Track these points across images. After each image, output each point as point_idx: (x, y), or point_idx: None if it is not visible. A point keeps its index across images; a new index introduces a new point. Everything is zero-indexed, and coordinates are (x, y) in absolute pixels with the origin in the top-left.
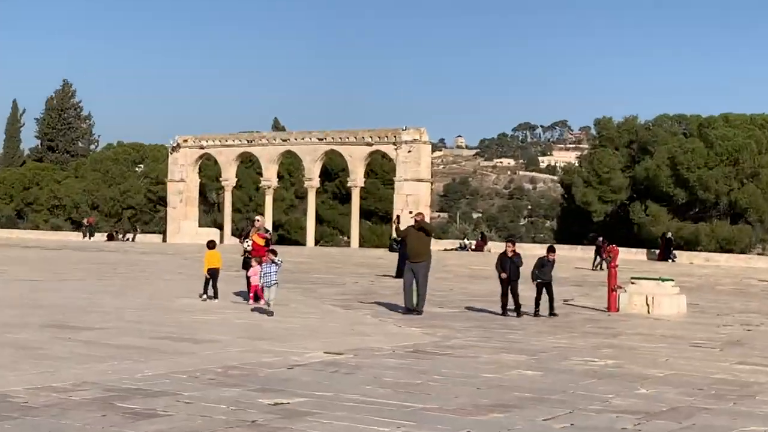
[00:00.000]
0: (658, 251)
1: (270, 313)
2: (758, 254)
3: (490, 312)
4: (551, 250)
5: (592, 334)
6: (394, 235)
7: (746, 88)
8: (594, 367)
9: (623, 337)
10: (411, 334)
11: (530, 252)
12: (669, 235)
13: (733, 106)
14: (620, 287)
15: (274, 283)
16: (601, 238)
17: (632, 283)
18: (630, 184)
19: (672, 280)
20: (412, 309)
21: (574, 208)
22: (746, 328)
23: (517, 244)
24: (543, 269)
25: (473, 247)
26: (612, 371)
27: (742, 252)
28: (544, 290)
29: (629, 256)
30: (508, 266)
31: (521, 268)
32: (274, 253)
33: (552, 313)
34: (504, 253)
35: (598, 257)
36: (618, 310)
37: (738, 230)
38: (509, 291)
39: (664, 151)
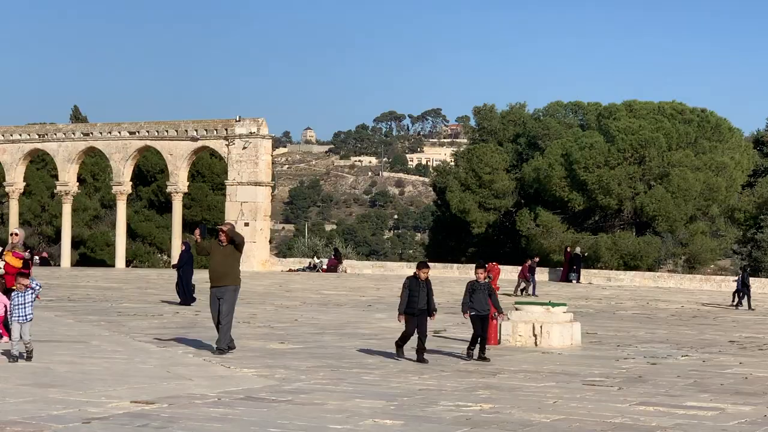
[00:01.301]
0: (561, 270)
1: (27, 356)
2: (668, 272)
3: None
4: (479, 266)
5: (466, 373)
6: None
7: (654, 72)
8: (467, 413)
9: (504, 375)
10: (242, 377)
11: (398, 272)
12: (578, 250)
13: (638, 93)
14: (502, 315)
15: (30, 317)
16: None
17: (516, 309)
18: (517, 187)
19: (564, 304)
20: (232, 346)
21: (449, 217)
22: (651, 362)
23: (381, 263)
24: (475, 296)
25: (325, 266)
26: (488, 418)
27: (650, 269)
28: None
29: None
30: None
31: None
32: (26, 276)
33: (482, 356)
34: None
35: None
36: (499, 342)
37: (645, 242)
38: (418, 328)
39: (557, 147)
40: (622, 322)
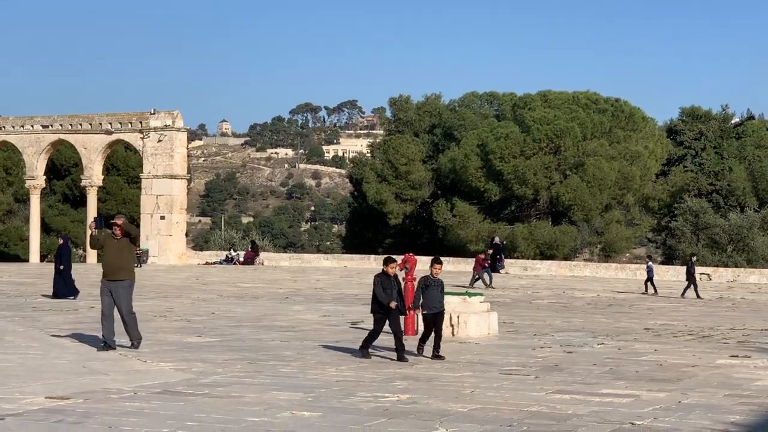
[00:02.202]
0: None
1: None
2: (584, 261)
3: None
4: (436, 261)
5: (383, 364)
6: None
7: (568, 62)
8: (384, 404)
9: (421, 366)
10: (159, 371)
11: (315, 264)
12: (496, 239)
13: (553, 83)
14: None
15: None
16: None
17: None
18: (433, 178)
19: (481, 294)
20: (112, 345)
21: (366, 208)
22: (567, 350)
23: (298, 255)
24: (428, 292)
25: (242, 259)
26: (405, 408)
27: (566, 258)
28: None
29: (449, 267)
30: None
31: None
32: None
33: (436, 355)
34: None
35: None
36: (417, 333)
37: (561, 232)
38: (391, 326)
39: (472, 138)
40: (538, 311)
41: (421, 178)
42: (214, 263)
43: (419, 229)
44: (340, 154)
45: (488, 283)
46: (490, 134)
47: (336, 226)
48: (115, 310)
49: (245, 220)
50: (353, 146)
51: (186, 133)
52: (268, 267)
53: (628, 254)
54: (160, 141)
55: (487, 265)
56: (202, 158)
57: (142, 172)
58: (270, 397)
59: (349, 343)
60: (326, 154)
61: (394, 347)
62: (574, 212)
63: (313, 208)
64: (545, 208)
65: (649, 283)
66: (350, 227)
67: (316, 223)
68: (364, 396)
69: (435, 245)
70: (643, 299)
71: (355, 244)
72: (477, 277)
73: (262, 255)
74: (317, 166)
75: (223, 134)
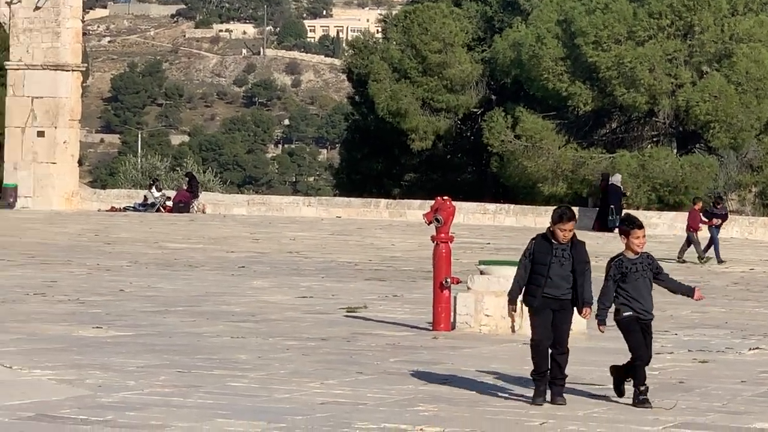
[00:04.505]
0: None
1: None
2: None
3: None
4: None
5: (398, 377)
6: None
7: None
8: None
9: (458, 376)
10: (32, 384)
11: (288, 213)
12: (614, 179)
13: None
14: (454, 280)
15: None
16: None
17: (481, 273)
18: (484, 75)
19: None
20: None
21: (373, 124)
22: (699, 358)
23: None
24: (631, 282)
25: (170, 203)
26: None
27: None
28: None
29: (509, 220)
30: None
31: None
32: None
33: (640, 399)
34: (545, 239)
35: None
36: (453, 327)
37: (692, 165)
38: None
39: (550, 10)
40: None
41: (465, 75)
42: (125, 209)
43: (460, 157)
44: (331, 33)
45: (702, 255)
46: (579, 4)
47: (324, 151)
48: None
49: (176, 139)
50: (353, 21)
51: None
52: (212, 216)
53: None
54: (38, 8)
55: (709, 222)
56: (107, 38)
57: (8, 60)
58: (213, 427)
59: (344, 343)
60: (309, 35)
61: (549, 377)
62: (715, 134)
63: (287, 122)
64: (667, 126)
65: None
66: (348, 154)
67: (293, 146)
68: (366, 428)
69: (486, 184)
70: None
71: (354, 181)
72: (692, 241)
73: (203, 197)
74: (294, 54)
75: (143, 0)
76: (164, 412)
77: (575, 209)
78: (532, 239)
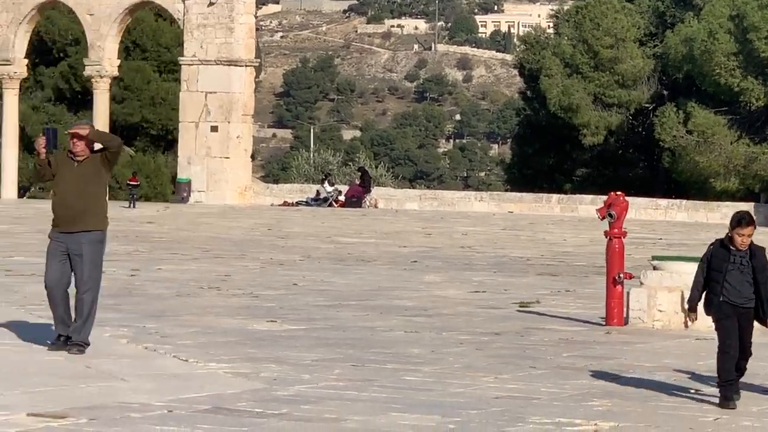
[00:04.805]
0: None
1: None
2: None
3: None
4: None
5: (570, 371)
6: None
7: None
8: None
9: (633, 374)
10: (207, 377)
11: (460, 208)
12: None
13: None
14: (627, 275)
15: None
16: None
17: (655, 268)
18: (656, 70)
19: None
20: (66, 335)
21: (544, 119)
22: None
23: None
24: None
25: (342, 198)
26: None
27: None
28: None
29: (681, 215)
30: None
31: None
32: None
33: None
34: (722, 245)
35: None
36: (626, 323)
37: None
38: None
39: (722, 4)
40: None
41: (637, 71)
42: (297, 204)
43: (631, 153)
44: (503, 29)
45: None
46: None
47: (495, 147)
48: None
49: (348, 134)
50: (525, 17)
51: None
52: (384, 211)
53: None
54: (212, 4)
55: None
56: (280, 33)
57: (182, 55)
58: (388, 421)
59: (518, 337)
60: (480, 30)
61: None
62: None
63: (458, 117)
64: None
65: None
66: (519, 149)
67: (464, 141)
68: (541, 423)
69: (658, 179)
70: None
71: (525, 176)
72: None
73: (376, 192)
74: (465, 49)
75: None
76: (339, 405)
77: (749, 205)
78: (711, 245)
